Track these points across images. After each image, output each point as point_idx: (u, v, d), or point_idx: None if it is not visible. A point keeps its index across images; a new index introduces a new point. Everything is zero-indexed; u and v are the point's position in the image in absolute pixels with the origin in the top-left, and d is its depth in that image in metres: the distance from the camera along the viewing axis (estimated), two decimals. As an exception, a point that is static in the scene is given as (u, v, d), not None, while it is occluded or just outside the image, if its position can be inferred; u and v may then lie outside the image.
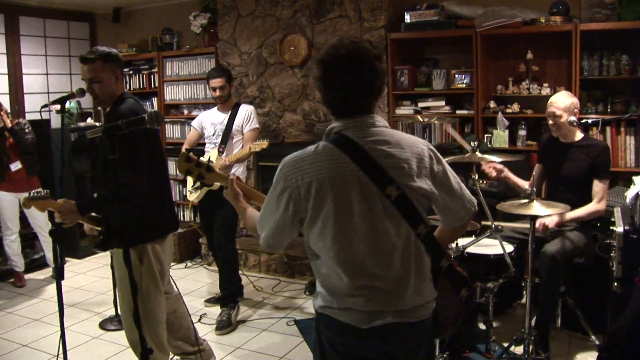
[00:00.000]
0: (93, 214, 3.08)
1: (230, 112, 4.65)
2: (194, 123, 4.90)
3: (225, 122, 4.63)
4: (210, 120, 4.74)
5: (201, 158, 2.13)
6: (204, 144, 4.85)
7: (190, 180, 4.76)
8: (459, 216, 1.99)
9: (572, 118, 3.58)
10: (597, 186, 3.65)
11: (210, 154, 4.61)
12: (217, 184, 4.54)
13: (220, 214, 4.55)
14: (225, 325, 4.34)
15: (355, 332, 1.87)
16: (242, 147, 4.59)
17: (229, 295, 4.57)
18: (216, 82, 4.56)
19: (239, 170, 4.62)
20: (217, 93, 4.59)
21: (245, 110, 4.67)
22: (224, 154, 4.55)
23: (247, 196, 2.20)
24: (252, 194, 2.25)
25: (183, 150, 4.78)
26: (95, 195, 2.96)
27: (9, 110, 5.28)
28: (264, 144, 4.37)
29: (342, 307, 1.87)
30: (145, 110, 2.67)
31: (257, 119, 4.73)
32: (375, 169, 1.82)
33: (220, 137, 4.62)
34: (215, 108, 4.78)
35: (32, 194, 2.96)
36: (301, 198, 1.82)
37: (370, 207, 1.82)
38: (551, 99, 3.74)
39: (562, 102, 3.66)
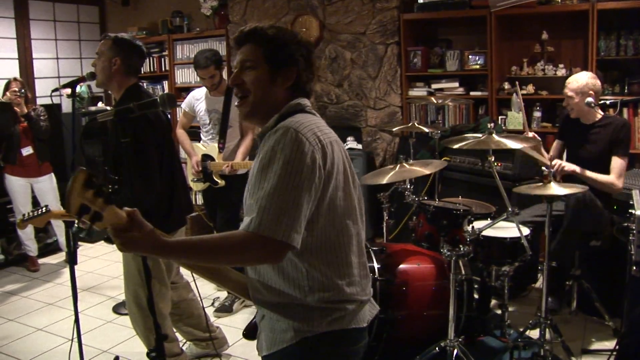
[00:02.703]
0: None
1: (224, 96, 4.32)
2: (184, 105, 4.59)
3: (221, 109, 4.34)
4: (204, 107, 4.44)
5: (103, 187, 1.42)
6: (196, 127, 4.67)
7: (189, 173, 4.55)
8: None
9: (590, 99, 3.51)
10: (616, 162, 3.58)
11: (209, 149, 4.42)
12: (222, 182, 4.55)
13: (221, 204, 4.44)
14: (225, 310, 4.33)
15: (361, 334, 1.72)
16: (242, 137, 4.40)
17: None
18: (205, 72, 4.21)
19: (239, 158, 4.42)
20: (208, 83, 4.28)
21: None
22: (224, 149, 4.36)
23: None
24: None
25: (179, 130, 4.58)
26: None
27: (29, 95, 5.26)
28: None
29: (355, 304, 1.68)
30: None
31: None
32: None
33: (218, 128, 4.37)
34: (206, 90, 4.42)
35: (25, 215, 2.93)
36: (326, 161, 1.59)
37: (354, 177, 1.74)
38: (569, 79, 3.69)
39: (575, 83, 3.62)
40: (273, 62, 1.70)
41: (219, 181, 4.34)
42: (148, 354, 2.02)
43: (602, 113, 3.75)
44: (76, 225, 2.99)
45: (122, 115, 2.11)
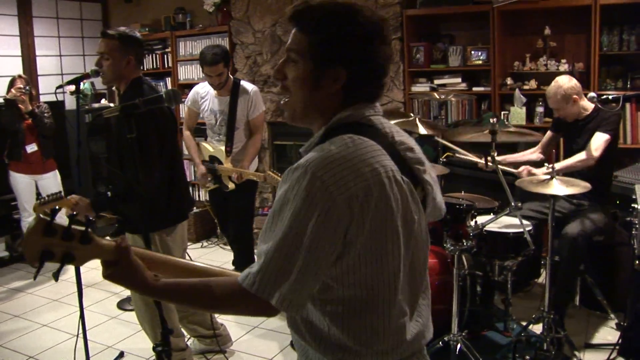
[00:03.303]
0: None
1: (230, 95, 4.21)
2: (188, 103, 4.45)
3: (227, 109, 4.21)
4: (210, 106, 4.33)
5: (72, 226, 1.30)
6: (202, 123, 4.58)
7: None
8: (440, 214, 1.60)
9: (592, 94, 3.50)
10: (598, 137, 3.59)
11: (216, 150, 4.33)
12: (232, 185, 4.50)
13: (232, 210, 4.39)
14: None
15: None
16: (252, 135, 4.31)
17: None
18: (212, 70, 4.04)
19: (252, 167, 4.39)
20: (215, 80, 4.11)
21: (248, 95, 4.20)
22: (232, 153, 4.27)
23: (147, 264, 1.42)
24: (156, 260, 1.48)
25: (186, 131, 4.48)
26: (109, 193, 2.93)
27: (34, 92, 5.28)
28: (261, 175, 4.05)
29: (378, 351, 1.36)
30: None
31: (261, 101, 4.31)
32: (407, 167, 1.40)
33: (224, 129, 4.24)
34: (209, 87, 4.29)
35: (41, 199, 2.94)
36: (354, 212, 1.25)
37: (419, 215, 1.40)
38: (547, 95, 3.76)
39: (552, 98, 3.68)
40: (317, 58, 1.34)
41: (228, 185, 4.27)
42: (154, 348, 2.03)
43: (598, 105, 3.74)
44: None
45: (127, 111, 2.13)
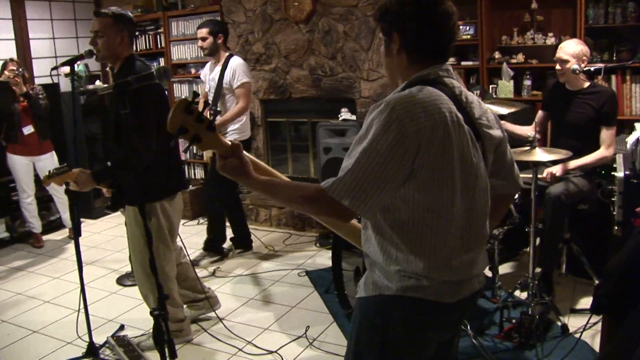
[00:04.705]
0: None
1: (222, 67, 4.68)
2: (202, 76, 5.06)
3: (217, 78, 4.67)
4: (208, 77, 4.83)
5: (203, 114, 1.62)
6: None
7: None
8: (516, 184, 1.89)
9: (575, 66, 3.59)
10: (605, 133, 3.68)
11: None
12: (206, 154, 4.86)
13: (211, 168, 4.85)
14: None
15: (442, 309, 1.65)
16: (236, 104, 4.67)
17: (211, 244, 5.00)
18: (199, 33, 4.69)
19: (233, 135, 4.67)
20: (200, 43, 4.70)
21: (231, 66, 4.64)
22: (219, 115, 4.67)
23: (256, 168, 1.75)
24: (259, 166, 1.82)
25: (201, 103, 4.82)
26: (108, 163, 3.05)
27: (27, 75, 5.34)
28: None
29: (436, 281, 1.62)
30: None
31: (245, 73, 4.67)
32: (471, 120, 1.66)
33: (213, 95, 4.69)
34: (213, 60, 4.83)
35: (51, 172, 3.05)
36: (422, 143, 1.52)
37: (478, 160, 1.66)
38: (561, 44, 3.75)
39: (572, 48, 3.66)
40: (384, 32, 1.71)
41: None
42: (151, 313, 2.14)
43: (590, 81, 3.83)
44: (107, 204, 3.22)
45: (121, 89, 2.22)
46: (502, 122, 3.75)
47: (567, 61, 3.66)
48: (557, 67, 3.76)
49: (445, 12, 1.65)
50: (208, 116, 1.66)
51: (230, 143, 1.66)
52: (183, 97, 1.63)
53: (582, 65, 3.62)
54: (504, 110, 3.36)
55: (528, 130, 3.87)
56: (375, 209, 1.56)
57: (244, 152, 1.70)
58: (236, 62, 4.67)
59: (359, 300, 1.77)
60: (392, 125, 1.51)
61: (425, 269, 1.61)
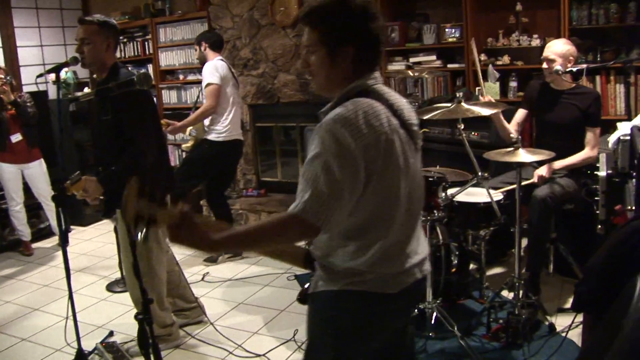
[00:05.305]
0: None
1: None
2: None
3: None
4: None
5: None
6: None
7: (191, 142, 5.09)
8: None
9: (558, 67, 3.62)
10: (589, 134, 3.71)
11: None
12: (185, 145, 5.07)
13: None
14: (211, 260, 5.00)
15: (386, 300, 1.77)
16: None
17: None
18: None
19: (212, 135, 4.88)
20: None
21: (203, 69, 4.83)
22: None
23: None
24: (215, 225, 1.74)
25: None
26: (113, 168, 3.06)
27: (14, 82, 5.34)
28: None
29: (379, 274, 1.74)
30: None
31: (212, 74, 4.75)
32: (403, 123, 1.76)
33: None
34: None
35: (71, 178, 3.04)
36: (368, 155, 1.64)
37: (415, 159, 1.80)
38: (548, 43, 3.78)
39: (559, 47, 3.68)
40: (328, 44, 1.73)
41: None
42: (136, 316, 2.15)
43: (575, 82, 3.86)
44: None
45: (102, 94, 2.23)
46: (497, 116, 3.80)
47: (553, 60, 3.68)
48: (544, 65, 3.77)
49: (383, 25, 1.79)
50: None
51: (177, 210, 1.59)
52: (132, 179, 1.60)
53: (569, 65, 3.66)
54: (485, 112, 3.37)
55: (511, 128, 3.89)
56: (339, 220, 1.66)
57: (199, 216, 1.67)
58: (207, 65, 4.82)
59: (310, 297, 1.87)
60: (339, 144, 1.60)
61: (369, 265, 1.72)
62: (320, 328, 1.85)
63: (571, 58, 3.68)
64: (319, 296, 1.82)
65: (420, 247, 1.87)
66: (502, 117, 3.82)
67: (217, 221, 1.58)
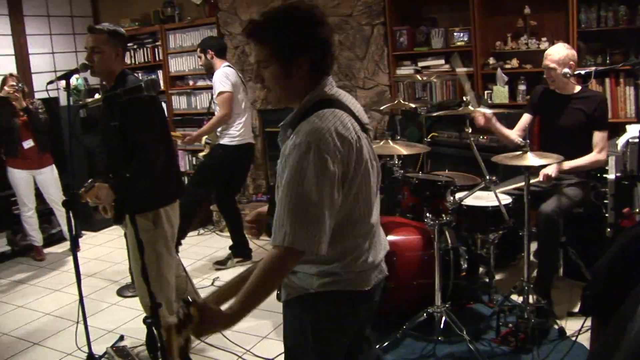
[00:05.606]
0: None
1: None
2: None
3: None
4: None
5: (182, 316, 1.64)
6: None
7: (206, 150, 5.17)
8: None
9: (566, 70, 3.61)
10: (597, 137, 3.68)
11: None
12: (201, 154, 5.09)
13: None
14: (221, 264, 5.07)
15: (359, 297, 1.83)
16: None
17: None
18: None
19: (225, 139, 4.91)
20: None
21: (214, 78, 4.83)
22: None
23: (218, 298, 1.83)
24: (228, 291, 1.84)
25: None
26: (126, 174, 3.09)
27: (26, 90, 5.40)
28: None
29: (351, 274, 1.79)
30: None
31: (223, 82, 4.77)
32: (362, 126, 1.79)
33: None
34: None
35: (85, 186, 3.11)
36: (343, 168, 1.67)
37: (375, 159, 1.83)
38: (546, 52, 3.76)
39: (556, 54, 3.67)
40: (281, 57, 1.70)
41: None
42: (144, 320, 2.16)
43: (581, 85, 3.84)
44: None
45: (110, 100, 2.26)
46: (493, 120, 3.78)
47: (553, 69, 3.68)
48: (545, 75, 3.78)
49: (331, 29, 1.78)
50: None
51: (195, 312, 1.62)
52: (173, 320, 1.71)
53: (567, 69, 3.64)
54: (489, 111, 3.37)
55: (512, 134, 3.88)
56: (327, 235, 1.65)
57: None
58: (217, 73, 4.82)
59: (285, 304, 1.90)
60: (316, 162, 1.60)
61: (341, 267, 1.76)
62: (300, 334, 1.85)
63: (571, 62, 3.65)
64: (295, 301, 1.85)
65: (382, 238, 1.93)
66: (498, 125, 3.82)
67: (220, 288, 1.59)
